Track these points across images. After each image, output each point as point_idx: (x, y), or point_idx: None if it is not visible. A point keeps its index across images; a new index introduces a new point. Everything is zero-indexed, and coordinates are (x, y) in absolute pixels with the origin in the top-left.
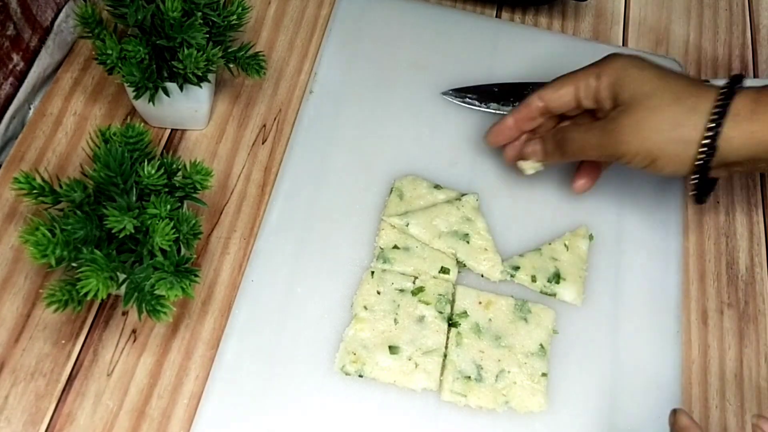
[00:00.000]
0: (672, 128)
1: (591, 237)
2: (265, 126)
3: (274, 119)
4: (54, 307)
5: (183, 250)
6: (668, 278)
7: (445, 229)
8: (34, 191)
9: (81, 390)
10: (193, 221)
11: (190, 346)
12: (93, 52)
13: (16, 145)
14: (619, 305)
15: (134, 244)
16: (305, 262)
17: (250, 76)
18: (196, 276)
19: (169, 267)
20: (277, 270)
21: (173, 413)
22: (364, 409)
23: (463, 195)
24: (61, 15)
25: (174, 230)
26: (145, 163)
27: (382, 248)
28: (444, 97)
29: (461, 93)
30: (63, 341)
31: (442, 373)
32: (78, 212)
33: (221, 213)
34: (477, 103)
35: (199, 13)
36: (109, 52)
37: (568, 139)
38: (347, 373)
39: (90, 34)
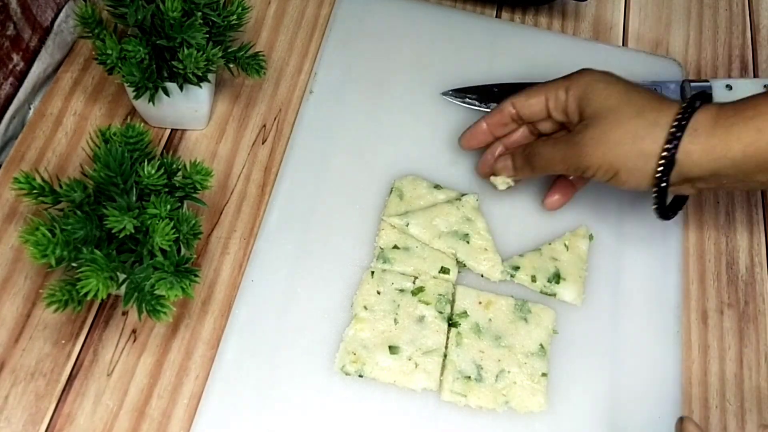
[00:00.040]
0: (633, 141)
1: (591, 237)
2: (265, 126)
3: (274, 119)
4: (54, 307)
5: (183, 250)
6: (668, 278)
7: (445, 229)
8: (34, 191)
9: (81, 390)
10: (193, 221)
11: (190, 346)
12: (93, 52)
13: (16, 145)
14: (619, 305)
15: (134, 244)
16: (305, 262)
17: (250, 76)
18: (196, 276)
19: (169, 267)
20: (277, 270)
21: (173, 413)
22: (364, 409)
23: (463, 195)
24: (61, 15)
25: (174, 230)
26: (145, 163)
27: (382, 248)
28: (444, 97)
29: (461, 93)
30: (63, 341)
31: (442, 373)
32: (78, 212)
33: (221, 213)
34: (477, 103)
35: (199, 13)
36: (109, 52)
37: (536, 153)
38: (347, 373)
39: (90, 34)
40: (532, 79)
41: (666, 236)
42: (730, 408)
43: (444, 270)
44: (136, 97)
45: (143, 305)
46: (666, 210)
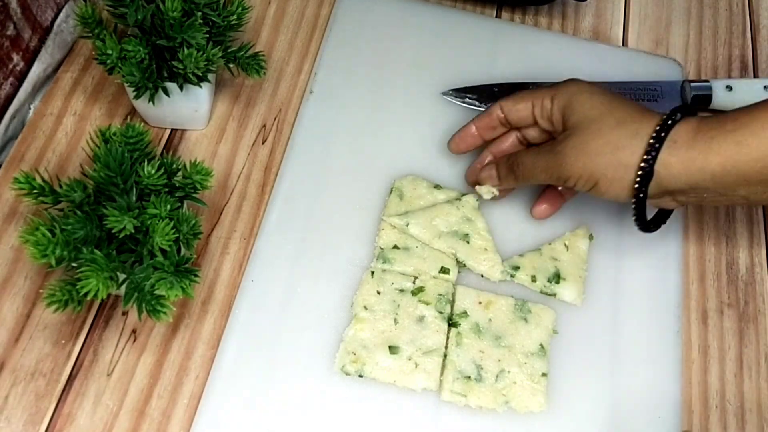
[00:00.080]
0: (612, 151)
1: (591, 237)
2: (265, 126)
3: (274, 119)
4: (54, 307)
5: (183, 250)
6: (668, 278)
7: (445, 229)
8: (34, 191)
9: (81, 390)
10: (193, 221)
11: (190, 346)
12: (93, 52)
13: (16, 145)
14: (619, 305)
15: (134, 244)
16: (305, 262)
17: (250, 76)
18: (196, 276)
19: (169, 267)
20: (277, 270)
21: (173, 413)
22: (364, 409)
23: (463, 195)
24: (61, 15)
25: (174, 230)
26: (145, 163)
27: (382, 248)
28: (444, 97)
29: (461, 93)
30: (63, 341)
31: (442, 373)
32: (78, 212)
33: (221, 213)
34: (477, 103)
35: (199, 13)
36: (109, 52)
37: (519, 162)
38: (347, 373)
39: (90, 34)
40: (532, 79)
41: (666, 236)
42: (730, 408)
43: (444, 270)
44: (136, 97)
45: (143, 305)
46: (648, 223)
